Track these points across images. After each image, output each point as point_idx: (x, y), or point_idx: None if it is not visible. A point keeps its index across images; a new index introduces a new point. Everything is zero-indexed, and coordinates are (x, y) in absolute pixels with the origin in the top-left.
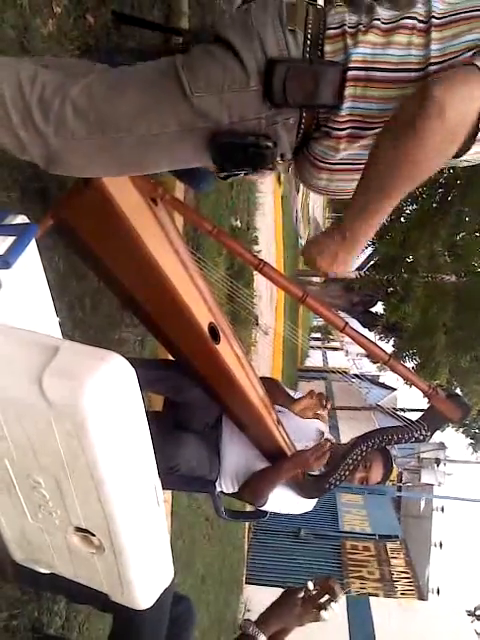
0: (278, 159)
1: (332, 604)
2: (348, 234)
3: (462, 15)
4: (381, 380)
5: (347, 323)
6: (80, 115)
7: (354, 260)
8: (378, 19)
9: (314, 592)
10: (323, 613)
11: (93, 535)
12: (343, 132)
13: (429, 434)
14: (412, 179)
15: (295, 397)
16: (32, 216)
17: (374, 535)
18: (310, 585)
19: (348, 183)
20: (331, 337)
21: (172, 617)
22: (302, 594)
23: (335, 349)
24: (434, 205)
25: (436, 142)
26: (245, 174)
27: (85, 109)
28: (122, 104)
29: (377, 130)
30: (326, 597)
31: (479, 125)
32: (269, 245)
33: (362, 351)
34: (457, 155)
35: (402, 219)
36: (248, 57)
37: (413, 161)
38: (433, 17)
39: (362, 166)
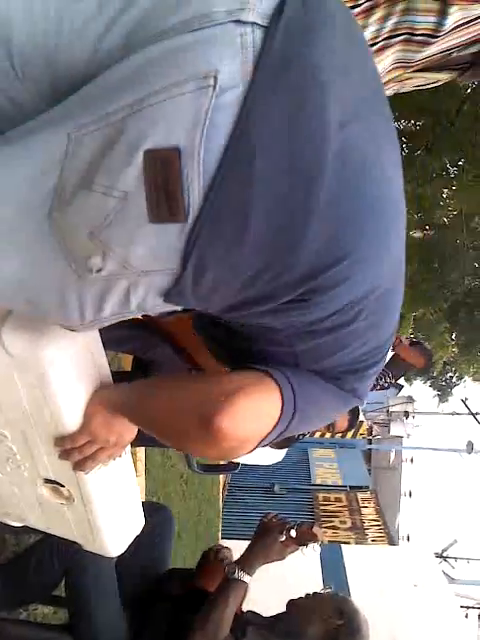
0: None
1: (313, 544)
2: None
3: None
4: None
5: None
6: None
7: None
8: None
9: (295, 536)
10: (303, 548)
11: (62, 486)
12: None
13: (394, 381)
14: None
15: None
16: None
17: (345, 486)
18: (292, 533)
19: None
20: None
21: (149, 528)
22: (283, 537)
23: None
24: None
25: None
26: None
27: None
28: None
29: None
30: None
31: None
32: None
33: None
34: None
35: None
36: None
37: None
38: None
39: None
